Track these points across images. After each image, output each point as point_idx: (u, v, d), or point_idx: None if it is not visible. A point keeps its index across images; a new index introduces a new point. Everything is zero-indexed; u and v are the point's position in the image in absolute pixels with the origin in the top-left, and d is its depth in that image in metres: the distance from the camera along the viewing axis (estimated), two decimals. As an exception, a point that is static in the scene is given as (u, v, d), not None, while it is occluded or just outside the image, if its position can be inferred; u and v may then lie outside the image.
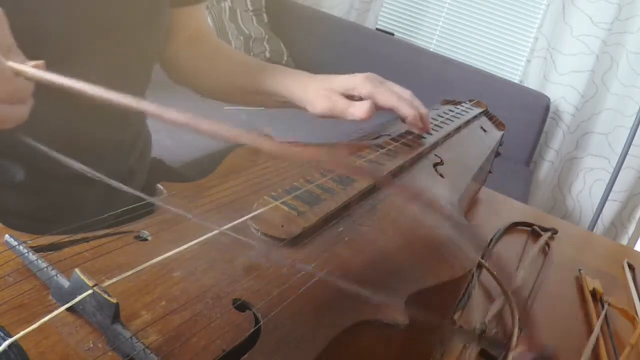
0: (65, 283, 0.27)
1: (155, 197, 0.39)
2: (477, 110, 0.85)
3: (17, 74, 0.35)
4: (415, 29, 2.44)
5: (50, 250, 0.30)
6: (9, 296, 0.26)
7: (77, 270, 0.26)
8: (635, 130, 1.85)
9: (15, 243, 0.29)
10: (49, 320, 0.25)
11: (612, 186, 1.94)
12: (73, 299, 0.26)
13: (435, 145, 0.64)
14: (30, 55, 0.37)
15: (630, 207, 2.20)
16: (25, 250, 0.29)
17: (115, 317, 0.25)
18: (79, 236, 0.32)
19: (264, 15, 2.29)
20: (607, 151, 2.17)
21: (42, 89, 0.35)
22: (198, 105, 1.20)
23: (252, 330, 0.28)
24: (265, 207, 0.39)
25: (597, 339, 0.54)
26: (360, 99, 0.61)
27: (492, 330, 0.50)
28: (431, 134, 0.65)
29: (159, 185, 0.40)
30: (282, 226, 0.37)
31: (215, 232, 0.35)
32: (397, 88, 0.62)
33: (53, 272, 0.27)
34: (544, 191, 2.28)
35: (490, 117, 0.87)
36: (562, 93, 2.15)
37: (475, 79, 2.15)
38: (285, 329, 0.29)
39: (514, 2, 2.25)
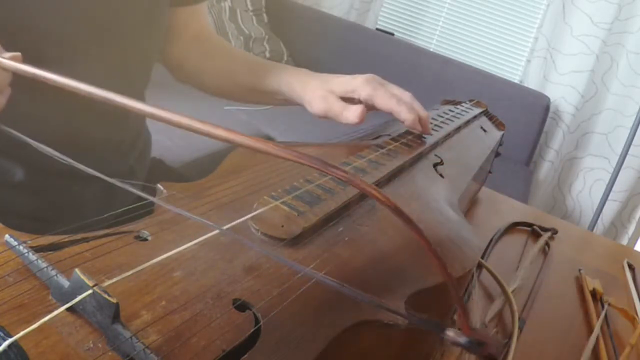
0: (65, 283, 0.27)
1: (155, 197, 0.39)
2: (477, 110, 0.85)
3: None
4: (415, 29, 2.44)
5: (50, 250, 0.30)
6: (9, 296, 0.26)
7: (77, 270, 0.26)
8: (635, 130, 1.85)
9: (15, 243, 0.29)
10: (49, 320, 0.25)
11: (612, 186, 1.94)
12: (73, 299, 0.26)
13: (435, 145, 0.64)
14: (31, 55, 0.37)
15: (630, 207, 2.20)
16: (25, 250, 0.29)
17: (115, 317, 0.25)
18: (79, 236, 0.32)
19: (264, 15, 2.29)
20: (607, 151, 2.17)
21: (42, 89, 0.35)
22: (198, 105, 1.21)
23: (252, 330, 0.28)
24: (265, 207, 0.39)
25: (597, 339, 0.54)
26: (360, 101, 0.61)
27: (492, 330, 0.50)
28: (431, 134, 0.65)
29: (159, 185, 0.40)
30: (282, 226, 0.37)
31: (216, 232, 0.35)
32: (397, 90, 0.62)
33: (53, 272, 0.27)
34: (544, 191, 2.28)
35: (490, 117, 0.87)
36: (562, 93, 2.15)
37: (475, 79, 2.15)
38: (285, 329, 0.29)
39: (514, 2, 2.25)
